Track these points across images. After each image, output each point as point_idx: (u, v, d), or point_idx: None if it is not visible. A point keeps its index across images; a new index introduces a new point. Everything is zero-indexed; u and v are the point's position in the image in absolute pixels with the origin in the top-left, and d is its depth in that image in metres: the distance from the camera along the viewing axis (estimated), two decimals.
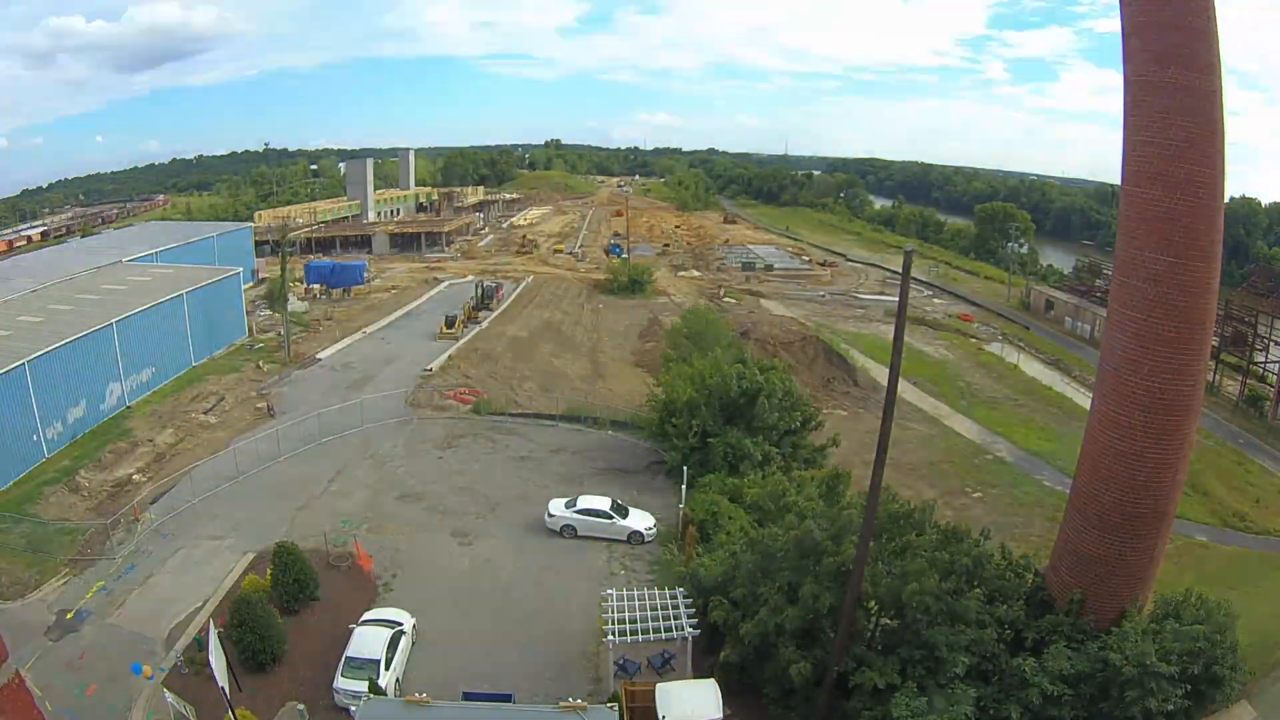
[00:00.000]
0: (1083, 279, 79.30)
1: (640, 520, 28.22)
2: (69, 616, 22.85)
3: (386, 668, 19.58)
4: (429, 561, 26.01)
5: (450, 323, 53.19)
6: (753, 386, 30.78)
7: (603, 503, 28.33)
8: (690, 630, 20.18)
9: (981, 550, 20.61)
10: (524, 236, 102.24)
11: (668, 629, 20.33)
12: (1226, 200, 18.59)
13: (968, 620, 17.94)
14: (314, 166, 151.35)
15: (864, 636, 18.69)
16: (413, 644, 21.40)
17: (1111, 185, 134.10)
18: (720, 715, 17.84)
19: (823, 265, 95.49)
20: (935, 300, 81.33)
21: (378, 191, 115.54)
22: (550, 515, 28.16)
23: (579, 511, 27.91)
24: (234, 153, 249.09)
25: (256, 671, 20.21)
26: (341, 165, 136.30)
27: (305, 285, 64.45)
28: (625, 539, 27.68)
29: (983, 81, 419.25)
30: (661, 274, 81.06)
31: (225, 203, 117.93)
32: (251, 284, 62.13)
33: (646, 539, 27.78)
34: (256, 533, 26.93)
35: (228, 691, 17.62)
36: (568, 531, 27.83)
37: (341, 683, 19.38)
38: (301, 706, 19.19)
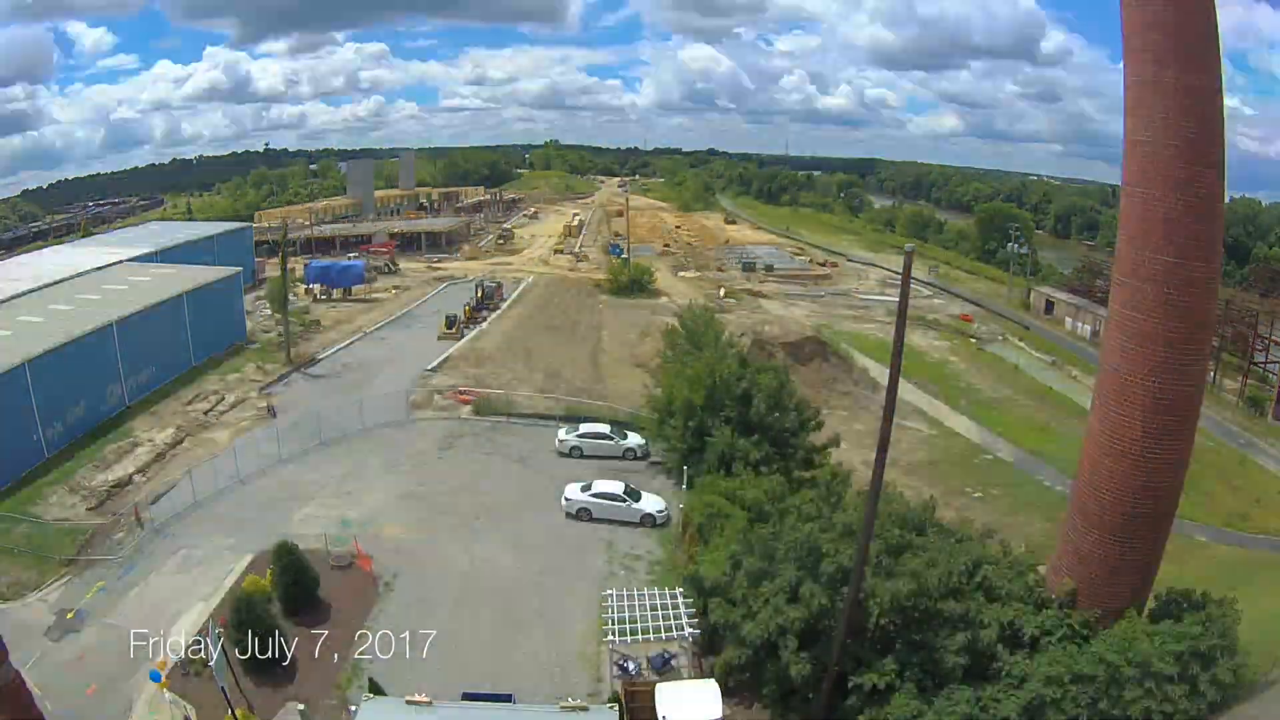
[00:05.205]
0: (1083, 279, 79.26)
1: (652, 504, 29.43)
2: (69, 616, 22.86)
3: None
4: (429, 561, 25.99)
5: (450, 323, 53.17)
6: (749, 386, 30.75)
7: (616, 486, 29.60)
8: (690, 630, 20.19)
9: (981, 550, 20.67)
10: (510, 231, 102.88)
11: (668, 629, 20.36)
12: (1227, 200, 18.60)
13: (967, 620, 17.95)
14: (314, 166, 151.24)
15: (864, 636, 18.70)
16: None
17: (1112, 185, 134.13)
18: (720, 715, 17.84)
19: (823, 265, 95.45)
20: (935, 300, 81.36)
21: (378, 191, 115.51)
22: (566, 499, 29.35)
23: (594, 495, 29.14)
24: (234, 153, 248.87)
25: (257, 672, 20.20)
26: (342, 165, 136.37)
27: (305, 285, 64.44)
28: (638, 521, 28.86)
29: None
30: (661, 274, 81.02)
31: (226, 203, 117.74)
32: (252, 284, 62.12)
33: (659, 521, 28.98)
34: (256, 533, 26.91)
35: (228, 691, 17.65)
36: (584, 514, 29.06)
37: None
38: (302, 706, 19.22)
